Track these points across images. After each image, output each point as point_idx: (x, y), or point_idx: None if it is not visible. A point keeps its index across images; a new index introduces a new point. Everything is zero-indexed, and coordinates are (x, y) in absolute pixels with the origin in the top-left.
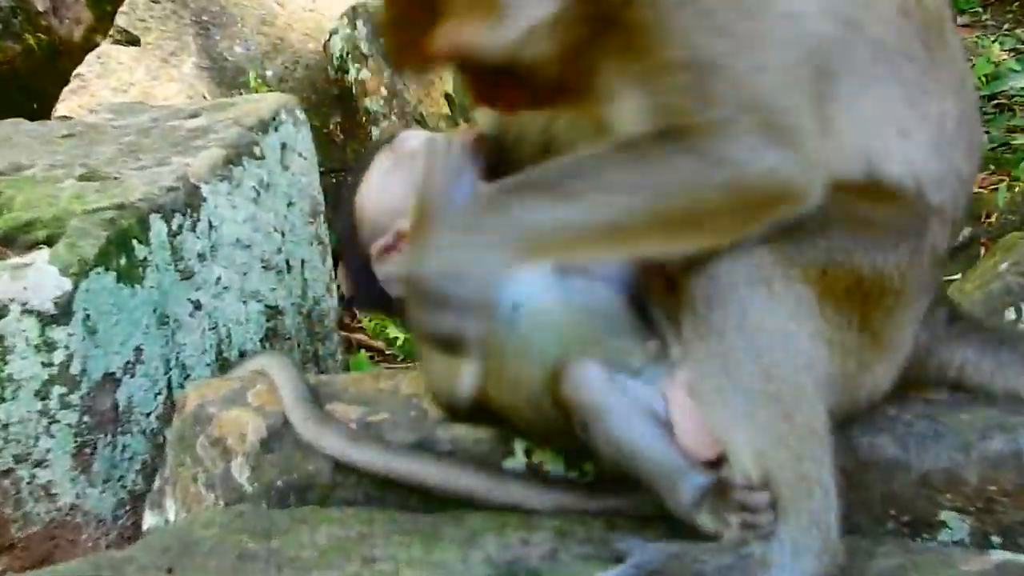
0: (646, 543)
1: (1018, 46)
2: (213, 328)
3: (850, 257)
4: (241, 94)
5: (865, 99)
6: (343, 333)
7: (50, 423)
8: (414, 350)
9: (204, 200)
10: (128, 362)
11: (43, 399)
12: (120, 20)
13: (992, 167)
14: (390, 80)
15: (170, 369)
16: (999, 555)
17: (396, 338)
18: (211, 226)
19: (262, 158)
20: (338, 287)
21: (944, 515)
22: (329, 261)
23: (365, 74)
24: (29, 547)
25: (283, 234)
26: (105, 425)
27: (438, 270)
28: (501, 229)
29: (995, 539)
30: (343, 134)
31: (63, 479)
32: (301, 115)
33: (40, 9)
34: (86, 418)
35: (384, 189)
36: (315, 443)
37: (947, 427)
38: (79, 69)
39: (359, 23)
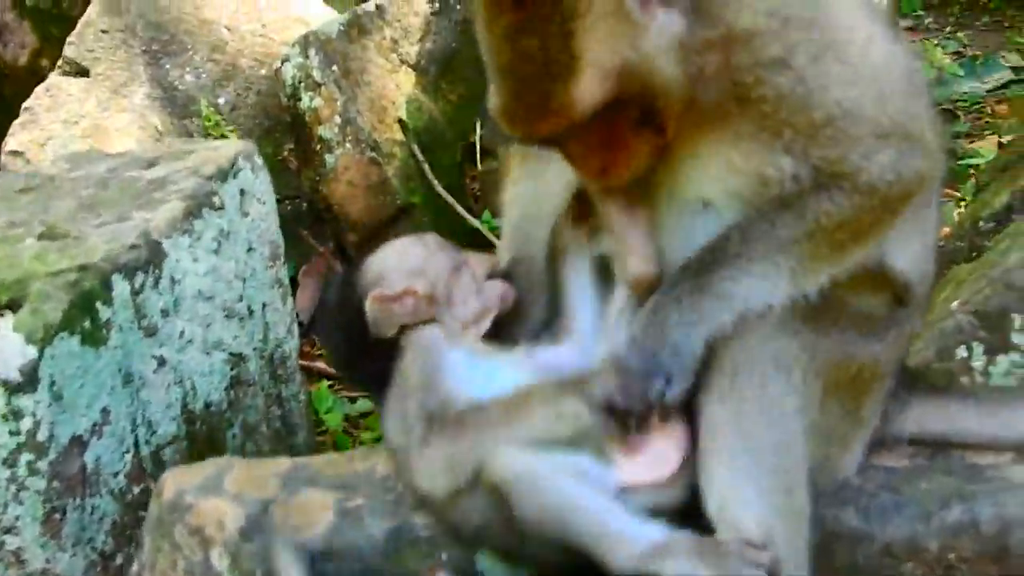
0: None
1: (961, 50)
2: (179, 382)
3: (856, 350)
4: (193, 122)
5: None
6: (303, 363)
7: (19, 490)
8: None
9: (166, 255)
10: (95, 424)
11: (11, 467)
12: (68, 51)
13: None
14: (343, 107)
15: (136, 427)
16: None
17: None
18: (173, 281)
19: (221, 208)
20: (296, 316)
21: None
22: (290, 302)
23: (318, 102)
24: None
25: (244, 280)
26: (74, 488)
27: (655, 346)
28: (711, 305)
29: None
30: (296, 160)
31: (33, 544)
32: (259, 160)
33: None
34: (55, 483)
35: (405, 253)
36: None
37: (908, 498)
38: (28, 102)
39: (311, 51)
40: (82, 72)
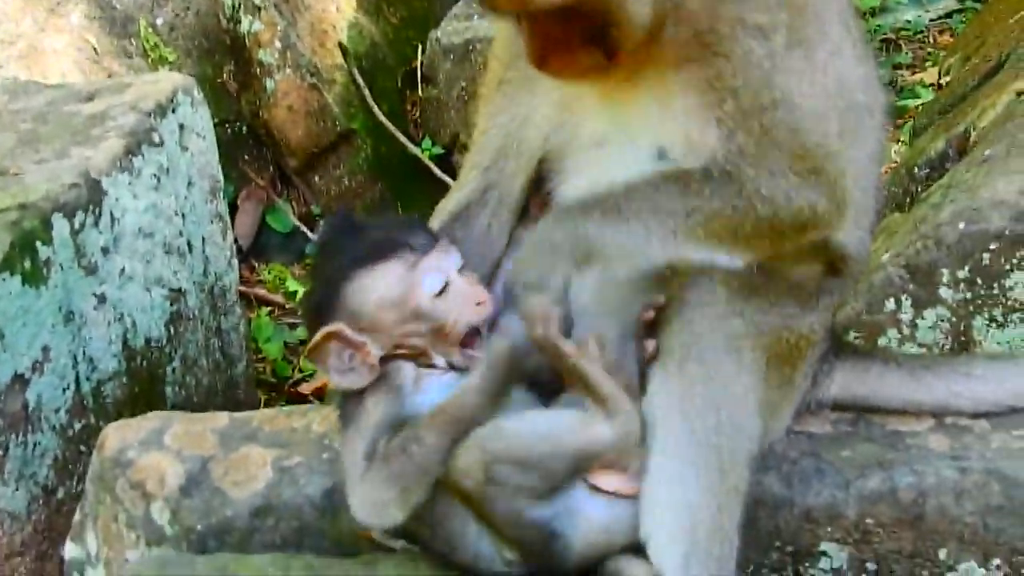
0: None
1: None
2: (119, 319)
3: (794, 322)
4: (132, 43)
5: (853, 169)
6: (242, 289)
7: None
8: None
9: (105, 193)
10: (36, 362)
11: None
12: None
13: None
14: (283, 32)
15: (77, 364)
16: None
17: (295, 292)
18: (113, 219)
19: (161, 144)
20: (235, 241)
21: (824, 546)
22: (229, 235)
23: (258, 26)
24: None
25: (183, 216)
26: (16, 425)
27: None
28: (571, 243)
29: (870, 566)
30: (236, 84)
31: None
32: (198, 94)
33: None
34: None
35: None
36: None
37: (829, 465)
38: None
39: None
40: None
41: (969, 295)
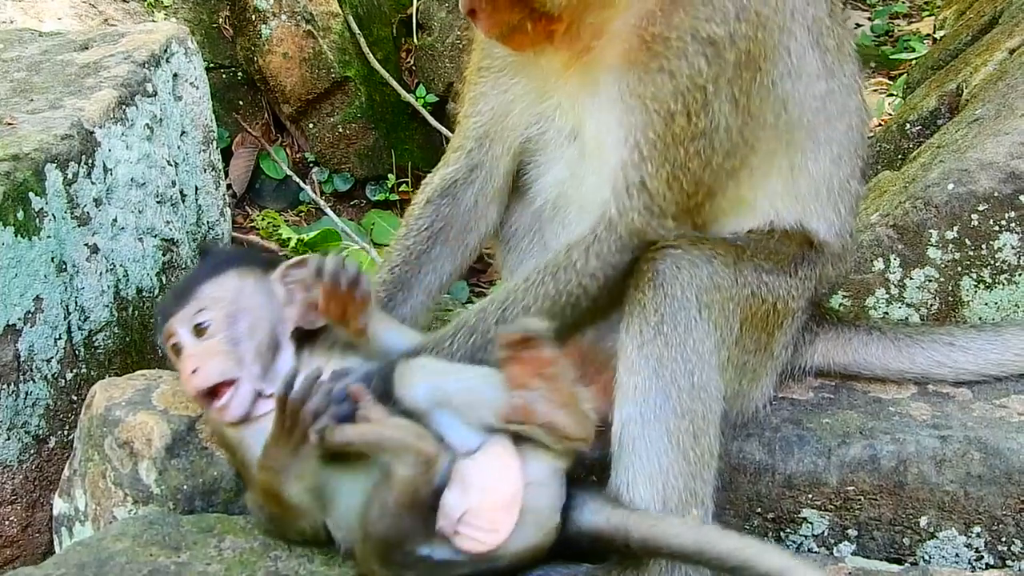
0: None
1: None
2: (111, 269)
3: (773, 282)
4: None
5: (817, 165)
6: (235, 235)
7: None
8: (305, 252)
9: (98, 144)
10: (28, 312)
11: None
12: None
13: (874, 63)
14: None
15: (70, 314)
16: (853, 562)
17: (288, 239)
18: (106, 169)
19: (154, 94)
20: (229, 187)
21: (806, 512)
22: (222, 185)
23: None
24: None
25: (176, 165)
26: (8, 375)
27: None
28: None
29: (851, 532)
30: (232, 29)
31: None
32: (192, 44)
33: None
34: None
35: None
36: None
37: (811, 432)
38: None
39: None
40: None
41: (957, 256)
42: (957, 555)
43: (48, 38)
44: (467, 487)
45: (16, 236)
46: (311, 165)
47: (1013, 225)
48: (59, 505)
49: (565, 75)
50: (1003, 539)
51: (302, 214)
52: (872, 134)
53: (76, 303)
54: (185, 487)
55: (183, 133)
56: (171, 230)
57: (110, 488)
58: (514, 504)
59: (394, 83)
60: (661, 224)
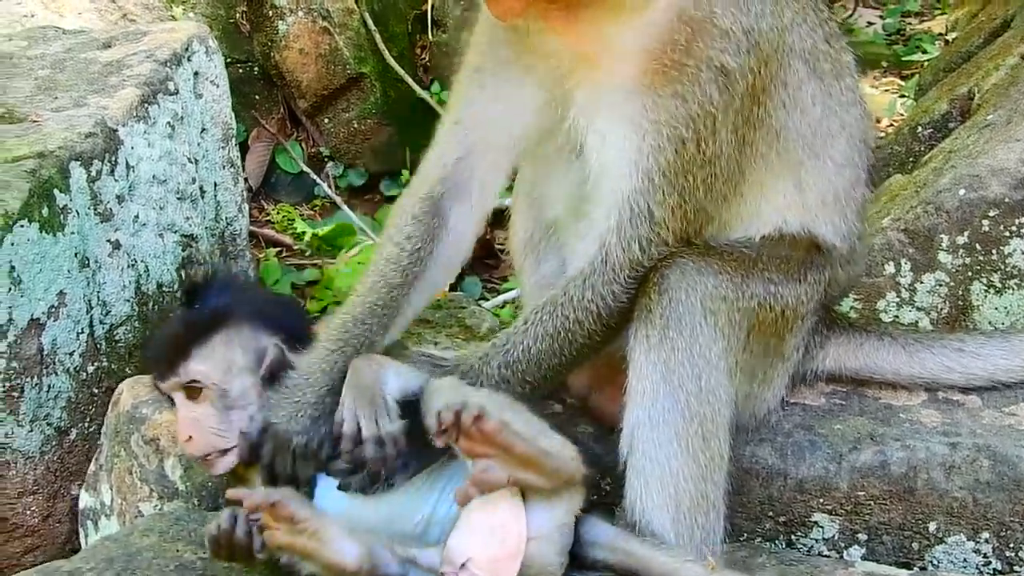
0: None
1: None
2: (132, 265)
3: (780, 290)
4: None
5: (820, 176)
6: (251, 228)
7: None
8: (320, 247)
9: (121, 142)
10: (52, 306)
11: None
12: None
13: (884, 64)
14: None
15: (92, 309)
16: (862, 566)
17: (303, 233)
18: (128, 167)
19: (176, 93)
20: (246, 180)
21: (817, 516)
22: (241, 181)
23: None
24: None
25: (196, 162)
26: (31, 368)
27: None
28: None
29: (861, 537)
30: (249, 24)
31: None
32: (213, 43)
33: None
34: (13, 363)
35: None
36: None
37: (822, 438)
38: None
39: None
40: None
41: (968, 260)
42: (965, 560)
43: (71, 36)
44: (471, 533)
45: (41, 232)
46: (326, 160)
47: (1023, 231)
48: (85, 499)
49: (573, 88)
50: (1011, 545)
51: (316, 208)
52: (883, 134)
53: (98, 298)
54: (209, 484)
55: (203, 130)
56: (191, 226)
57: (136, 483)
58: (516, 557)
59: (409, 79)
60: (659, 252)
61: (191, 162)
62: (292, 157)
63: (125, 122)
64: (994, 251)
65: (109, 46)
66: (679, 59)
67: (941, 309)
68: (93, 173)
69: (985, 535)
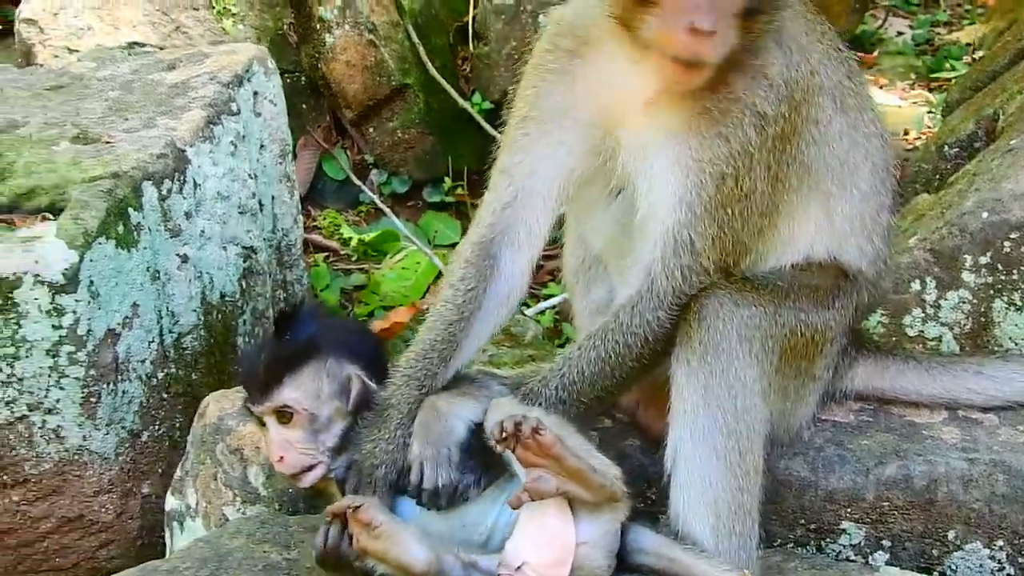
0: None
1: None
2: (198, 277)
3: (810, 317)
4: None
5: (847, 206)
6: (306, 237)
7: (60, 377)
8: (366, 252)
9: (189, 162)
10: (126, 317)
11: (54, 357)
12: None
13: (913, 75)
14: None
15: (162, 319)
16: (887, 571)
17: (349, 239)
18: (195, 185)
19: (237, 113)
20: (300, 193)
21: (845, 524)
22: (296, 196)
23: None
24: (41, 482)
25: (255, 178)
26: (107, 375)
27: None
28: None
29: (885, 543)
30: (296, 36)
31: (71, 424)
32: (271, 64)
33: None
34: (91, 371)
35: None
36: None
37: (851, 452)
38: None
39: None
40: None
41: (990, 280)
42: (981, 566)
43: (137, 57)
44: (526, 540)
45: (117, 248)
46: (371, 167)
47: None
48: (171, 502)
49: (621, 134)
50: (1023, 552)
51: (362, 214)
52: (911, 147)
53: (167, 308)
54: (289, 490)
55: (262, 147)
56: (250, 238)
57: (220, 489)
58: (566, 562)
59: (451, 90)
60: (700, 280)
61: (251, 178)
62: (338, 165)
63: (192, 142)
64: (1015, 271)
65: (174, 68)
66: (727, 106)
67: (964, 325)
68: (164, 192)
69: (1000, 543)
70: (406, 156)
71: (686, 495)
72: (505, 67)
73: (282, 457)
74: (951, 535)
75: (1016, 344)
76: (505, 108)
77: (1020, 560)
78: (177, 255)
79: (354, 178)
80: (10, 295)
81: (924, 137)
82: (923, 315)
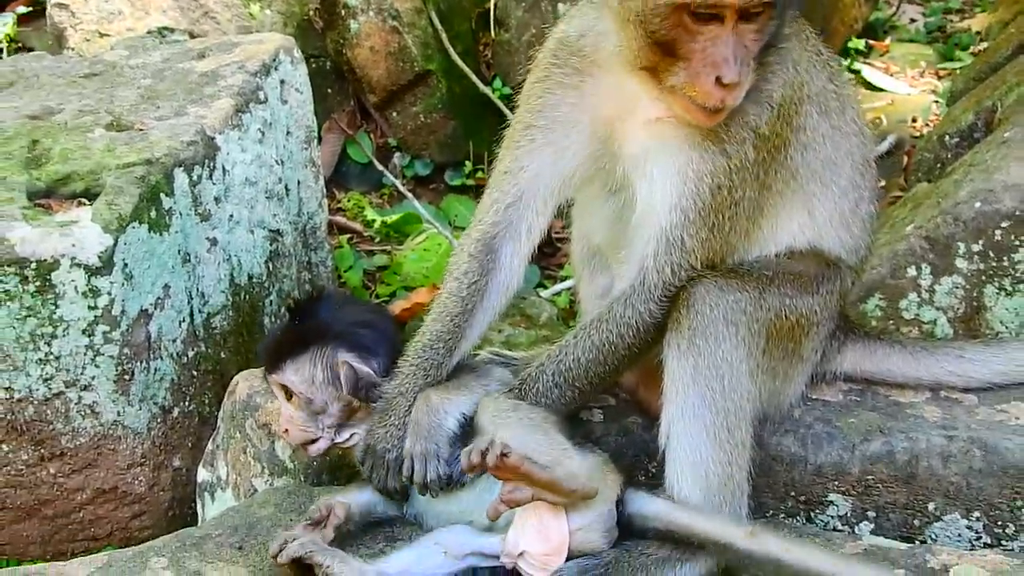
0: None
1: None
2: (227, 259)
3: (794, 302)
4: None
5: (827, 200)
6: (330, 219)
7: (95, 355)
8: (388, 233)
9: (218, 149)
10: (158, 299)
11: (89, 336)
12: None
13: (923, 63)
14: None
15: (192, 300)
16: (869, 539)
17: (373, 220)
18: (225, 171)
19: (265, 101)
20: (324, 177)
21: (832, 497)
22: (321, 180)
23: None
24: (77, 455)
25: (282, 163)
26: (140, 354)
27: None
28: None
29: (870, 514)
30: (322, 22)
31: (106, 400)
32: (298, 54)
33: None
34: (125, 349)
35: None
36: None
37: (838, 430)
38: None
39: None
40: None
41: (982, 266)
42: (959, 535)
43: (168, 46)
44: (524, 532)
45: (149, 232)
46: (394, 151)
47: None
48: (202, 474)
49: (623, 143)
50: (998, 523)
51: (385, 196)
52: (918, 134)
53: (197, 289)
54: (315, 463)
55: (288, 133)
56: (277, 222)
57: (249, 462)
58: (560, 551)
59: (472, 76)
60: (687, 275)
61: (278, 163)
62: (362, 148)
63: (222, 130)
64: (1005, 258)
65: (204, 56)
66: (730, 125)
67: (957, 309)
68: (194, 178)
69: (977, 514)
70: (428, 140)
71: (678, 468)
72: (525, 53)
73: (287, 430)
74: (931, 507)
75: (1007, 327)
76: None
77: (995, 530)
78: (207, 239)
79: (376, 163)
80: (48, 277)
81: (931, 125)
82: (919, 299)
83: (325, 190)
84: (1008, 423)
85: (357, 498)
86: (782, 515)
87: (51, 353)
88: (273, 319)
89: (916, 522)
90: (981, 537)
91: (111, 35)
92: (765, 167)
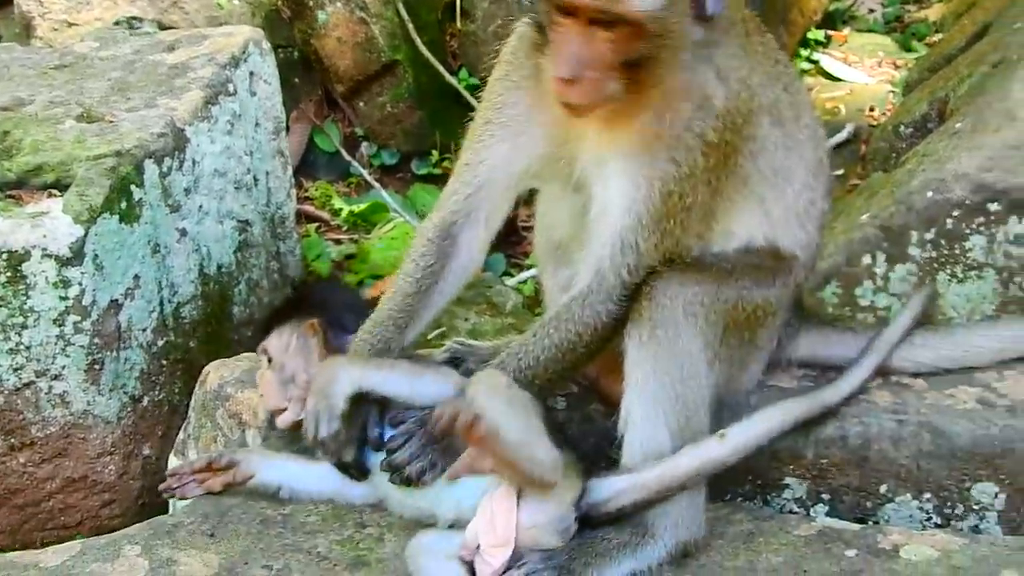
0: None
1: None
2: (196, 250)
3: (751, 294)
4: None
5: (782, 201)
6: (299, 208)
7: (66, 345)
8: (356, 222)
9: (188, 141)
10: (128, 289)
11: (60, 326)
12: None
13: (881, 53)
14: None
15: (162, 290)
16: (823, 521)
17: (340, 209)
18: (194, 163)
19: (234, 93)
20: (292, 165)
21: (788, 480)
22: (289, 169)
23: None
24: (47, 444)
25: (251, 154)
26: (110, 343)
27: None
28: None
29: (824, 496)
30: (290, 12)
31: (77, 390)
32: (267, 45)
33: None
34: (95, 339)
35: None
36: None
37: None
38: None
39: None
40: None
41: (934, 254)
42: (911, 516)
43: (138, 38)
44: (480, 524)
45: (120, 223)
46: (360, 140)
47: (981, 229)
48: (174, 463)
49: (580, 147)
50: (948, 504)
51: (352, 185)
52: (875, 123)
53: (167, 280)
54: (284, 451)
55: (257, 124)
56: (245, 212)
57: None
58: (506, 546)
59: (439, 66)
60: (642, 274)
61: (246, 154)
62: (329, 138)
63: (191, 122)
64: (956, 246)
65: (174, 49)
66: (679, 133)
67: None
68: (164, 169)
69: (927, 495)
70: (395, 130)
71: (636, 454)
72: (491, 44)
73: (263, 394)
74: (883, 489)
75: (958, 313)
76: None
77: (945, 511)
78: (177, 229)
79: (344, 152)
80: (19, 268)
81: (888, 115)
82: (873, 287)
83: (293, 180)
84: (956, 407)
85: (266, 472)
86: (739, 498)
87: (21, 343)
88: (242, 308)
89: (869, 504)
90: (932, 518)
91: (79, 24)
92: (716, 174)
